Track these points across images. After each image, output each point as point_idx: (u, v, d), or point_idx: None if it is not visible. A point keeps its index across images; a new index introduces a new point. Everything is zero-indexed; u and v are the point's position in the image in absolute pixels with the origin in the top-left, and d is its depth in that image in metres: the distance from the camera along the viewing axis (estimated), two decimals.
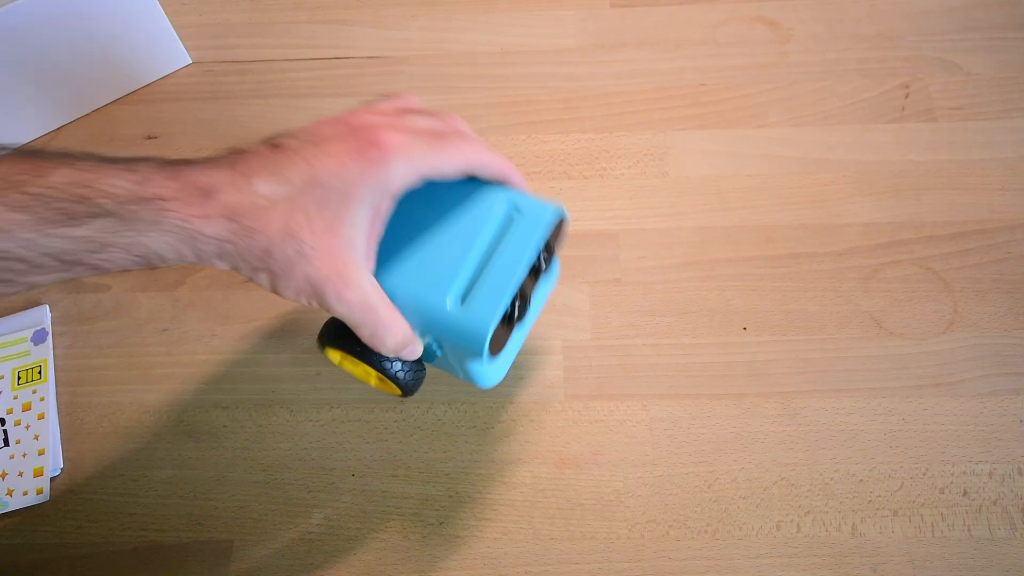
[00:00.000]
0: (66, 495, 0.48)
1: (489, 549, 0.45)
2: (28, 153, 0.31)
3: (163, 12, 0.60)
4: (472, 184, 0.38)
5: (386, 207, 0.34)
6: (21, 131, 0.60)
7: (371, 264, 0.35)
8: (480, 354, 0.37)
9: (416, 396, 0.49)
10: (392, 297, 0.36)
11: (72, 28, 0.56)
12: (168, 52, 0.63)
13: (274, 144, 0.34)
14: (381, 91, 0.61)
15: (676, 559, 0.44)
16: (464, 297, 0.36)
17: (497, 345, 0.38)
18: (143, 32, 0.60)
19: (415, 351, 0.38)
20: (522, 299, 0.38)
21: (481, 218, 0.37)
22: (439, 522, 0.45)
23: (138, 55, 0.61)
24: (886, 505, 0.44)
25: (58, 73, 0.58)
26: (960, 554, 0.43)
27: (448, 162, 0.35)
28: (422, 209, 0.38)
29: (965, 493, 0.45)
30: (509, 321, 0.38)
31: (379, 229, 0.35)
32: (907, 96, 0.58)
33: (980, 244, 0.52)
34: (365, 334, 0.36)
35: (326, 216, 0.33)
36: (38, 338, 0.52)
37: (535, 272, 0.39)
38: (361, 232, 0.34)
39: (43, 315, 0.53)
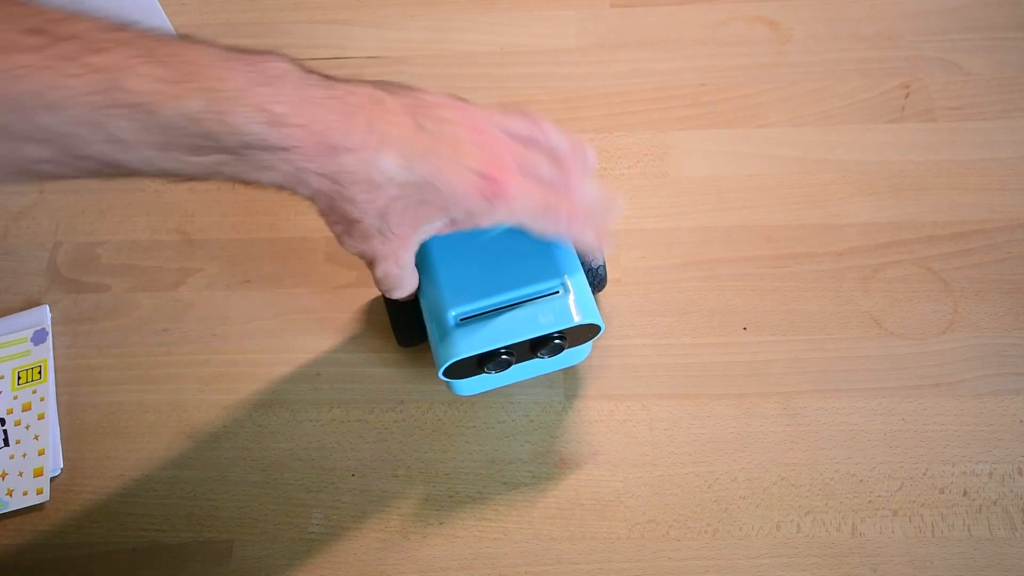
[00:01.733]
0: (66, 495, 0.48)
1: (489, 549, 0.45)
2: (166, 55, 0.30)
3: (163, 12, 0.60)
4: (555, 247, 0.41)
5: (466, 227, 0.37)
6: None
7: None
8: (438, 369, 0.41)
9: (416, 396, 0.49)
10: (433, 264, 0.41)
11: None
12: None
13: (416, 117, 0.34)
14: None
15: (676, 559, 0.44)
16: (464, 320, 0.40)
17: (458, 373, 0.42)
18: None
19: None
20: (507, 355, 0.40)
21: (536, 275, 0.40)
22: (439, 522, 0.45)
23: None
24: (886, 505, 0.44)
25: None
26: (960, 554, 0.43)
27: (543, 230, 0.38)
28: (506, 233, 0.40)
29: (965, 493, 0.45)
30: (480, 364, 0.41)
31: (447, 232, 0.38)
32: (907, 96, 0.58)
33: (980, 244, 0.52)
34: (382, 287, 0.40)
35: (419, 212, 0.35)
36: (38, 338, 0.52)
37: (538, 347, 0.41)
38: (434, 230, 0.37)
39: (43, 315, 0.53)
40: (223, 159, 0.31)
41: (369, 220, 0.35)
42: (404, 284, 0.40)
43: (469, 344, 0.40)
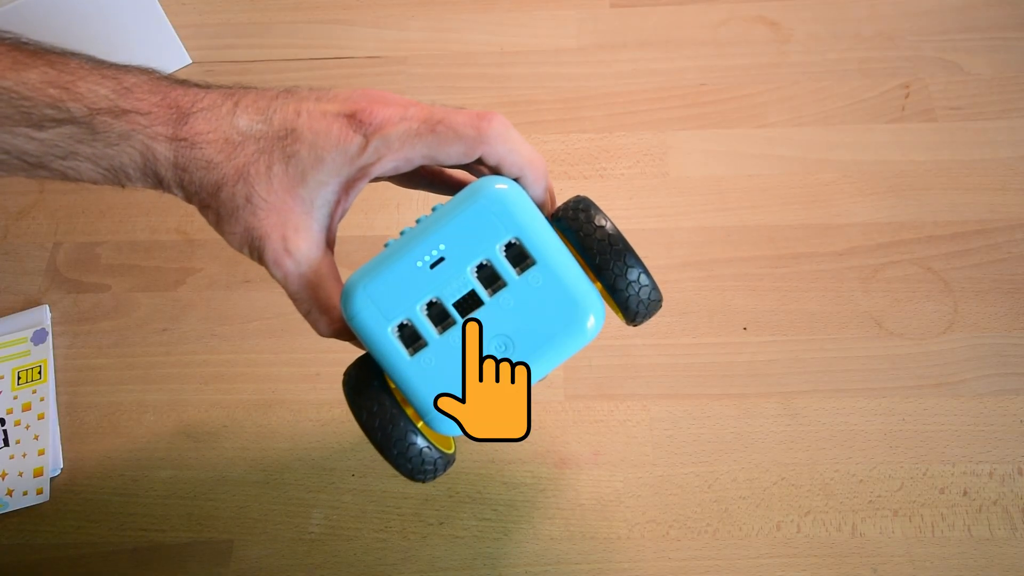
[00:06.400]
0: (66, 495, 0.48)
1: (489, 549, 0.45)
2: (13, 44, 0.30)
3: (163, 12, 0.60)
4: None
5: (360, 183, 0.31)
6: None
7: (331, 238, 0.32)
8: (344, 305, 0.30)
9: None
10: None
11: (72, 28, 0.56)
12: (168, 52, 0.63)
13: (288, 88, 0.32)
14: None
15: (676, 559, 0.44)
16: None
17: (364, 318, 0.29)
18: (143, 32, 0.60)
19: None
20: (433, 313, 0.29)
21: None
22: (439, 522, 0.45)
23: (138, 55, 0.61)
24: (886, 505, 0.44)
25: None
26: (960, 554, 0.43)
27: (448, 152, 0.30)
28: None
29: (965, 493, 0.45)
30: (407, 339, 0.29)
31: (346, 205, 0.32)
32: (907, 96, 0.58)
33: (980, 244, 0.52)
34: (300, 311, 0.33)
35: (291, 172, 0.31)
36: (38, 338, 0.52)
37: (491, 284, 0.29)
38: (324, 201, 0.31)
39: (43, 315, 0.53)
40: (73, 132, 0.30)
41: (230, 187, 0.31)
42: (317, 295, 0.31)
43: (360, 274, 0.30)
